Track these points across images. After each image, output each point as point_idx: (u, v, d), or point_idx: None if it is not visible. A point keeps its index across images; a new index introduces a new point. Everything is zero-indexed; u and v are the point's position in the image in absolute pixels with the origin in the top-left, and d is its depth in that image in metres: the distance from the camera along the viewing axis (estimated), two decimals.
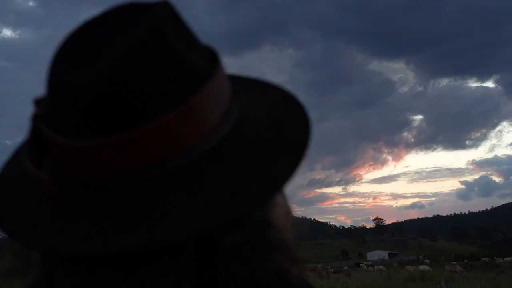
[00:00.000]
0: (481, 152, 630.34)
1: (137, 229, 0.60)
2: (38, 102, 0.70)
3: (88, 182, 0.66)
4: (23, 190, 0.70)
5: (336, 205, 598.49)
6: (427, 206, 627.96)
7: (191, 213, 0.61)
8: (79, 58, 0.66)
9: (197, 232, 0.59)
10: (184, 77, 0.66)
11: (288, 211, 0.78)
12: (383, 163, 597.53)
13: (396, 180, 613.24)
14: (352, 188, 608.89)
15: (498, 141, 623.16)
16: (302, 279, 0.69)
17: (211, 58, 0.73)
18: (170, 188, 0.64)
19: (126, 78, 0.62)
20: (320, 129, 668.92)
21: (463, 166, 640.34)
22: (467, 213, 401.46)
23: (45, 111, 0.68)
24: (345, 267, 73.41)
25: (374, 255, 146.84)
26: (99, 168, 0.65)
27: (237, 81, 0.82)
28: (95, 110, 0.63)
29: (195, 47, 0.71)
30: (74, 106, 0.63)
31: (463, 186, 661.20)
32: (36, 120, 0.67)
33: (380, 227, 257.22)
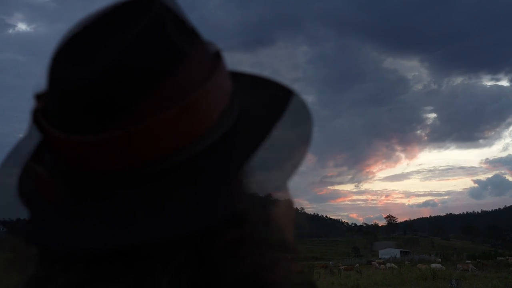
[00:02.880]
0: (494, 150, 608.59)
1: (134, 225, 0.61)
2: (38, 97, 0.70)
3: (87, 178, 0.66)
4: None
5: (348, 202, 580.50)
6: (439, 204, 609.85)
7: (189, 211, 0.61)
8: (79, 53, 0.66)
9: (194, 229, 0.60)
10: (184, 74, 0.66)
11: (289, 207, 0.78)
12: (396, 160, 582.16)
13: (409, 178, 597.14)
14: (365, 186, 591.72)
15: None
16: (301, 277, 0.69)
17: (213, 55, 0.73)
18: (168, 185, 0.64)
19: (128, 74, 0.63)
20: (333, 126, 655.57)
21: (476, 164, 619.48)
22: (479, 212, 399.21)
23: (46, 106, 0.68)
24: (357, 265, 73.49)
25: (386, 252, 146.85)
26: (98, 163, 0.65)
27: (241, 77, 0.81)
28: (95, 106, 0.63)
29: (197, 43, 0.70)
30: (74, 102, 0.63)
31: (476, 185, 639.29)
32: (36, 114, 0.67)
33: (392, 225, 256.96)
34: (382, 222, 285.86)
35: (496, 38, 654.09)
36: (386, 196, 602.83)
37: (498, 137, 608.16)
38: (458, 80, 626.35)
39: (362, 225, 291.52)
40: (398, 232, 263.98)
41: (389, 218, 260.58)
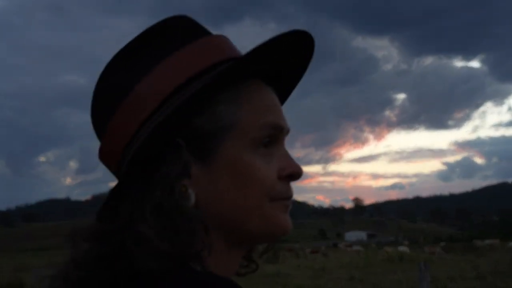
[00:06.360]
0: (463, 133, 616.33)
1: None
2: None
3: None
4: None
5: (315, 184, 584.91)
6: (407, 187, 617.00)
7: None
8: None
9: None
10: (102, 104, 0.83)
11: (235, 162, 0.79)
12: (364, 142, 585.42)
13: (377, 160, 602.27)
14: (332, 167, 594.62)
15: (482, 122, 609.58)
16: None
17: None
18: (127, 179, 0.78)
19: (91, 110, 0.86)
20: (301, 107, 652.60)
21: (445, 147, 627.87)
22: (447, 194, 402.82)
23: None
24: (323, 247, 72.51)
25: (352, 235, 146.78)
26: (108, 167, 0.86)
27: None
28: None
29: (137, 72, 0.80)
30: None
31: (444, 167, 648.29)
32: None
33: (359, 207, 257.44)
34: (349, 205, 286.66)
35: (467, 20, 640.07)
36: (354, 178, 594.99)
37: (468, 119, 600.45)
38: (429, 60, 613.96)
39: (328, 208, 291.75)
40: (365, 214, 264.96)
41: (356, 200, 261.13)
